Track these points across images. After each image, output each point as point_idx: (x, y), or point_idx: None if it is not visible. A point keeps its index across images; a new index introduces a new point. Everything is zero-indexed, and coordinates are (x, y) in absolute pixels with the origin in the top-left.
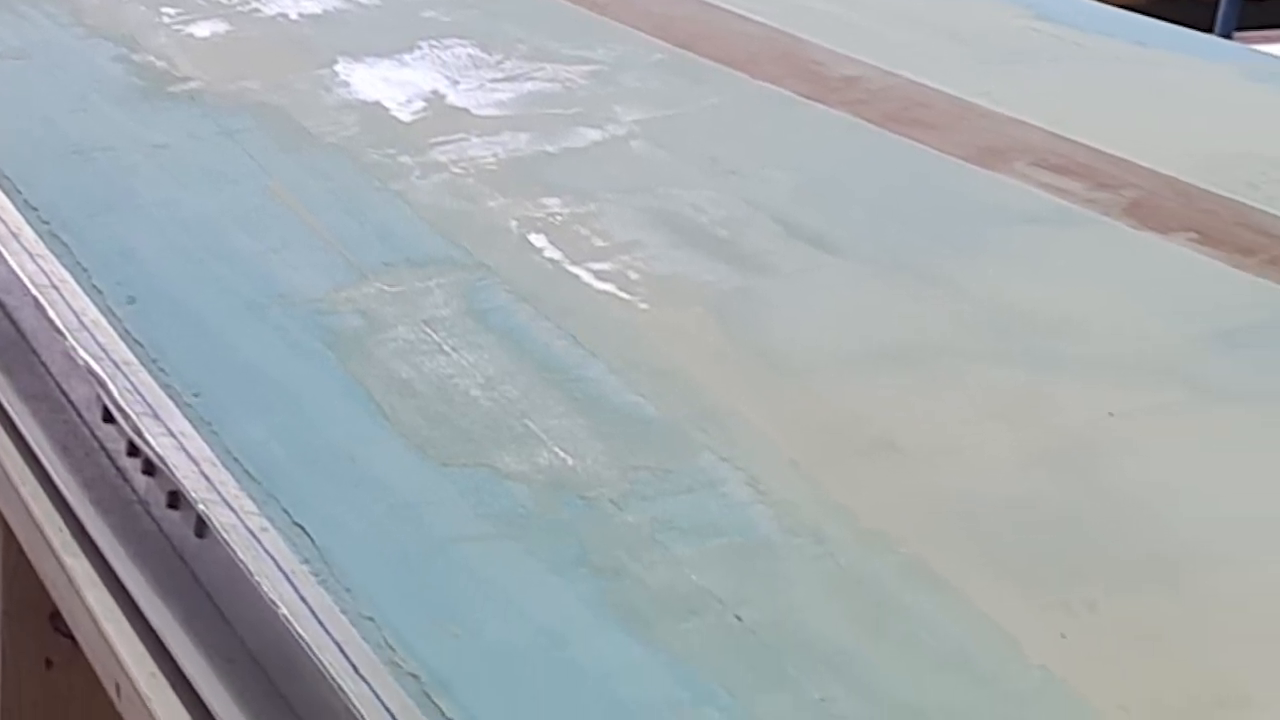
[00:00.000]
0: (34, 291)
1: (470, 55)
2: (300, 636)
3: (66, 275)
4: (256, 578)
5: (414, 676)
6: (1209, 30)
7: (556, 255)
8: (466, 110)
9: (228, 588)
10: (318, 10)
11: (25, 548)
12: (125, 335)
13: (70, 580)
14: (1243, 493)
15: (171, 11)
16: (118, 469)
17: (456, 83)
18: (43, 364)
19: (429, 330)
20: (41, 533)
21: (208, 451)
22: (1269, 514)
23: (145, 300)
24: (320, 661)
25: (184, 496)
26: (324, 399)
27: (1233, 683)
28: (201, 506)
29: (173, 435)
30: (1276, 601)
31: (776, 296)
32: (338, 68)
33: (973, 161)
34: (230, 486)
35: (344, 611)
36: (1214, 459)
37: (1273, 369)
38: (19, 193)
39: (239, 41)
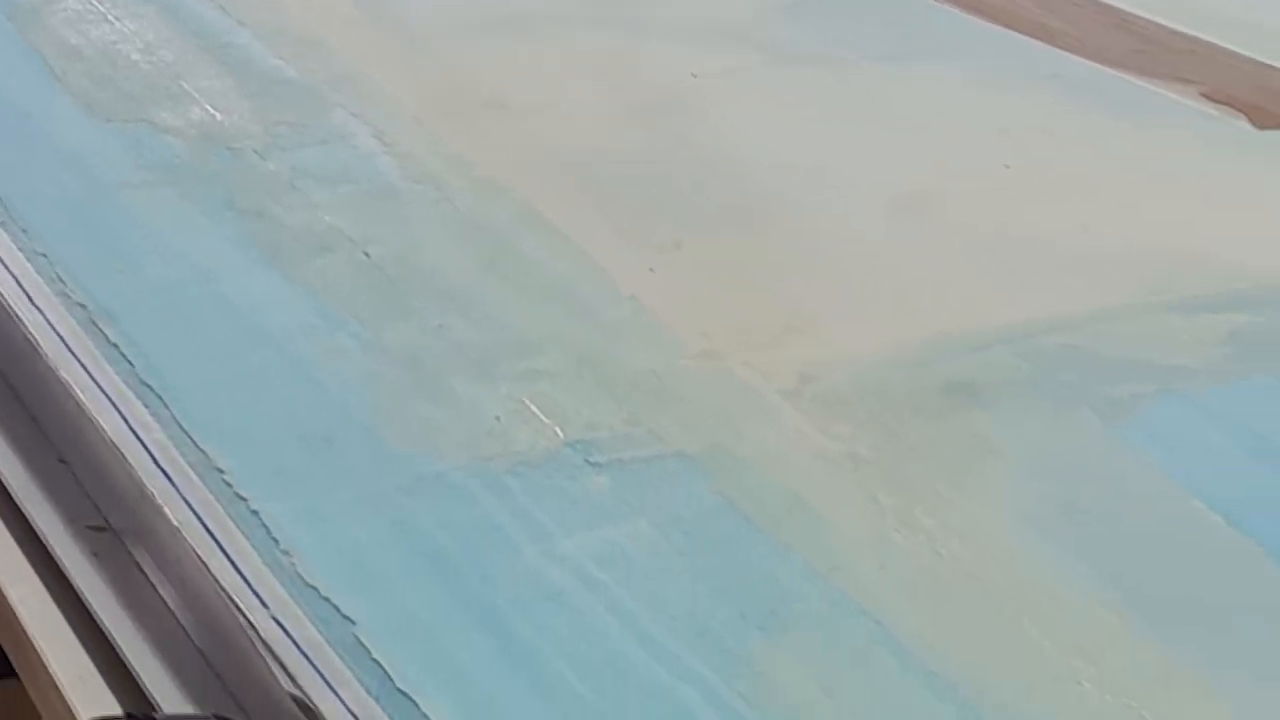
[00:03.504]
0: None
1: None
2: None
3: None
4: None
5: (82, 306)
6: None
7: None
8: None
9: None
10: None
11: None
12: None
13: None
14: (809, 145)
15: None
16: None
17: None
18: None
19: (95, 1)
20: None
21: None
22: (831, 163)
23: None
24: None
25: None
26: (3, 64)
27: (800, 311)
28: None
29: None
30: (838, 240)
31: None
32: None
33: None
34: None
35: (20, 249)
36: (784, 114)
37: (834, 35)
38: None
39: None
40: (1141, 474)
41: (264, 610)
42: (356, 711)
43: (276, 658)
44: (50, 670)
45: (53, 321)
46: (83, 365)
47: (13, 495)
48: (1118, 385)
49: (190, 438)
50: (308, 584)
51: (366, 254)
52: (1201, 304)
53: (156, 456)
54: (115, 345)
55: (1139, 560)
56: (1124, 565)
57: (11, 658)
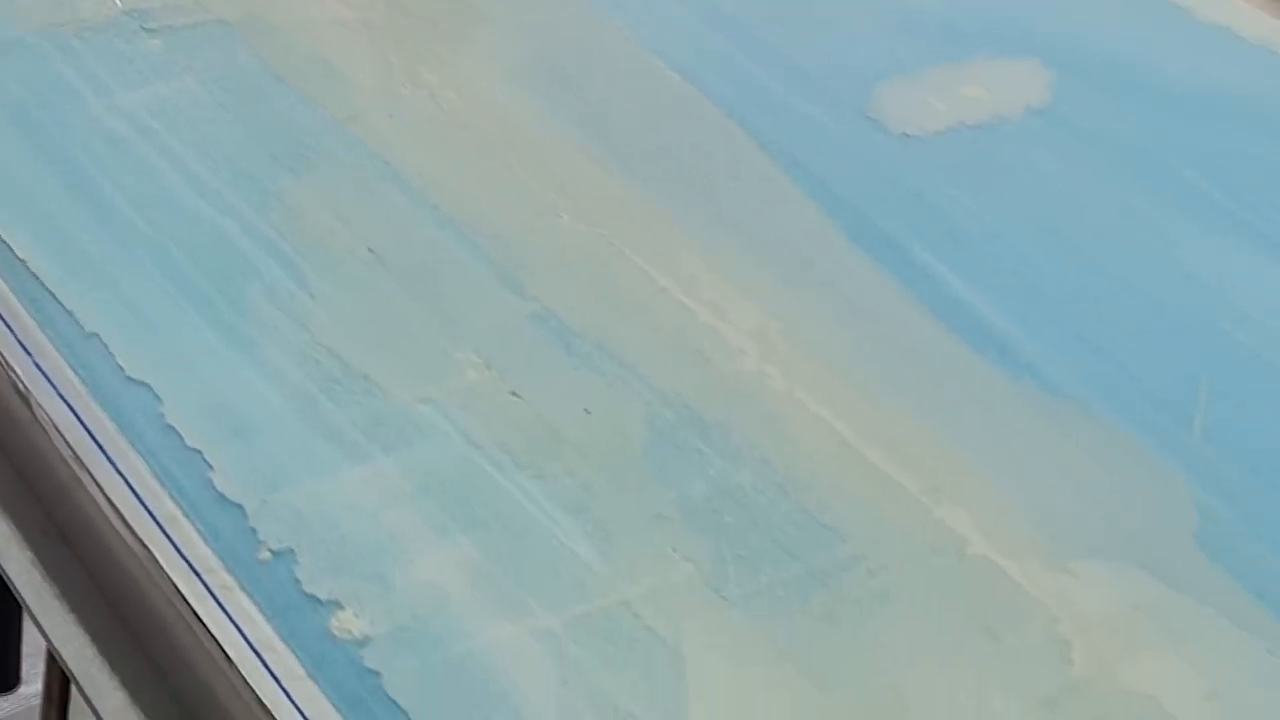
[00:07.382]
0: None
1: None
2: None
3: None
4: None
5: None
6: None
7: None
8: None
9: None
10: None
11: None
12: None
13: None
14: None
15: None
16: None
17: None
18: None
19: None
20: None
21: None
22: None
23: None
24: None
25: None
26: None
27: None
28: None
29: None
30: None
31: None
32: None
33: None
34: None
35: None
36: None
37: None
38: None
39: None
40: (611, 37)
41: None
42: None
43: None
44: None
45: None
46: None
47: None
48: None
49: None
50: None
51: None
52: None
53: None
54: None
55: (610, 111)
56: (597, 116)
57: None
